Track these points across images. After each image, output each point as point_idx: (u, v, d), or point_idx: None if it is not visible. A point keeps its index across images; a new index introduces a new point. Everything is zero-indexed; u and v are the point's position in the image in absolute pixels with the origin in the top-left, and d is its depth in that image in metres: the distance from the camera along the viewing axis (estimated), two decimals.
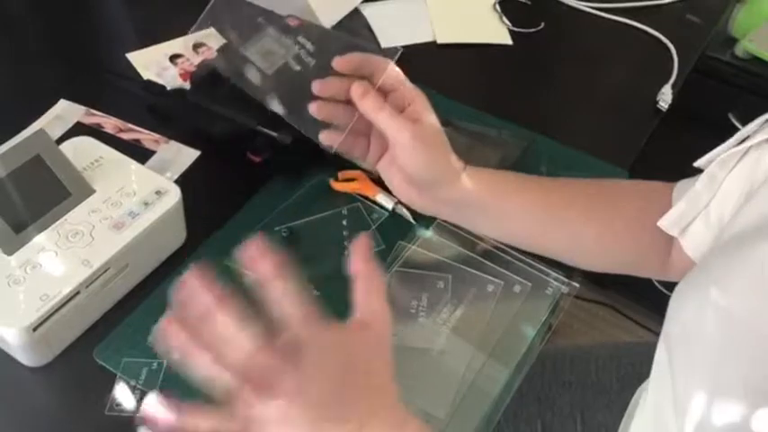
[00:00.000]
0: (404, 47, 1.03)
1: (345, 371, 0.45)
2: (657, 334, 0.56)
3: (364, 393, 0.46)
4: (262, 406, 0.42)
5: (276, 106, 0.72)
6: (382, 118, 0.62)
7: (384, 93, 0.64)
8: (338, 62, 0.63)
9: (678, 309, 0.51)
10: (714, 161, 0.60)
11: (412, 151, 0.62)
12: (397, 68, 0.64)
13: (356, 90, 0.62)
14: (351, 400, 0.45)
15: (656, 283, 1.39)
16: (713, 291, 0.48)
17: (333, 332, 0.47)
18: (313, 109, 0.64)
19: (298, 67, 0.85)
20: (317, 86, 0.63)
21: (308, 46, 0.70)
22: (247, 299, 0.73)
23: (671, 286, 0.54)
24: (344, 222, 0.80)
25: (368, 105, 0.62)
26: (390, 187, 0.69)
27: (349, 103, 0.63)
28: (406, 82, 0.64)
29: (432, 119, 0.64)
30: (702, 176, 0.61)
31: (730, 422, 0.43)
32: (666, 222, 0.64)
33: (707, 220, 0.62)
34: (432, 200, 0.67)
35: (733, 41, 1.26)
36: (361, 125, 0.64)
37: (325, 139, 0.65)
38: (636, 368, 0.83)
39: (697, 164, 0.62)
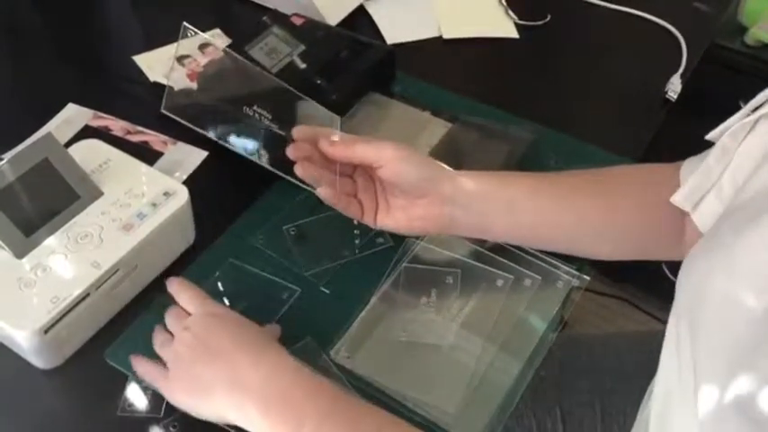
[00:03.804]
0: (409, 42, 1.04)
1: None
2: None
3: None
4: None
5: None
6: (359, 149, 0.65)
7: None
8: (296, 132, 0.67)
9: (687, 278, 0.50)
10: (725, 133, 0.59)
11: (398, 159, 0.64)
12: (341, 134, 0.67)
13: (323, 144, 0.65)
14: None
15: (670, 275, 1.38)
16: (723, 259, 0.47)
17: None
18: (298, 170, 0.67)
19: (303, 65, 0.85)
20: (290, 152, 0.66)
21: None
22: (253, 296, 0.73)
23: None
24: (354, 221, 0.79)
25: (340, 150, 0.65)
26: (400, 231, 0.70)
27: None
28: (357, 151, 0.66)
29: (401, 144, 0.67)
30: (714, 149, 0.60)
31: (741, 403, 0.43)
32: (679, 197, 0.63)
33: (720, 194, 0.60)
34: (439, 204, 0.66)
35: (743, 29, 1.25)
36: (345, 186, 0.67)
37: (323, 193, 0.67)
38: (655, 356, 0.82)
39: (709, 136, 0.60)
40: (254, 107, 0.76)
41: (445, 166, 0.67)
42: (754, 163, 0.57)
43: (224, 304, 0.71)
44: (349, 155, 0.65)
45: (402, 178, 0.65)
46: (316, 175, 0.66)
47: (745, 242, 0.47)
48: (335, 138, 0.66)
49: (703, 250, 0.51)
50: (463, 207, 0.67)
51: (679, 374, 0.50)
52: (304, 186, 0.70)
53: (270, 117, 0.73)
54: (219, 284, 0.73)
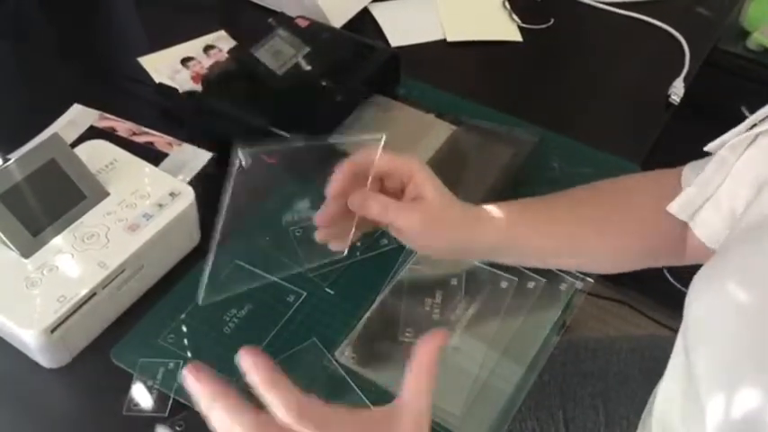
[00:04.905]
0: (414, 45, 1.04)
1: None
2: (674, 330, 0.55)
3: None
4: None
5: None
6: (389, 217, 0.61)
7: (380, 179, 0.63)
8: (332, 191, 0.62)
9: (695, 302, 0.50)
10: (724, 146, 0.59)
11: (426, 236, 0.62)
12: (384, 154, 0.62)
13: (354, 202, 0.61)
14: None
15: (672, 280, 1.38)
16: (730, 283, 0.48)
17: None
18: (320, 236, 0.64)
19: (308, 67, 0.85)
20: (319, 220, 0.63)
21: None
22: (259, 298, 0.74)
23: (686, 282, 0.54)
24: None
25: (372, 212, 0.61)
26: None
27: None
28: (396, 160, 0.63)
29: (433, 186, 0.62)
30: (712, 161, 0.61)
31: (749, 416, 0.43)
32: (676, 207, 0.64)
33: (717, 205, 0.61)
34: (448, 255, 0.68)
35: (745, 34, 1.26)
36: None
37: (337, 247, 0.65)
38: (659, 361, 0.83)
39: (707, 148, 0.61)
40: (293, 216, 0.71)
41: (470, 213, 0.65)
42: (754, 179, 0.58)
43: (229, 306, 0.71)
44: (379, 220, 0.62)
45: (425, 251, 0.66)
46: (335, 236, 0.64)
47: (757, 262, 0.48)
48: (374, 162, 0.61)
49: (713, 270, 0.51)
50: (470, 258, 0.69)
51: (685, 390, 0.50)
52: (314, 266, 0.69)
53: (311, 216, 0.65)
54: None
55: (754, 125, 0.57)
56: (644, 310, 1.57)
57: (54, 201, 0.68)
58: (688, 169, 0.66)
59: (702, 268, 0.52)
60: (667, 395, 0.57)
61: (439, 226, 0.62)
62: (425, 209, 0.61)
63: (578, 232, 0.68)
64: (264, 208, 0.79)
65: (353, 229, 0.64)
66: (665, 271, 1.41)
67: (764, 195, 0.54)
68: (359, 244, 0.77)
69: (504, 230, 0.65)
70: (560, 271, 0.75)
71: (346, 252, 0.66)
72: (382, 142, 0.62)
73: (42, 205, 0.68)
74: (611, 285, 1.60)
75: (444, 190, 0.63)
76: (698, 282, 0.51)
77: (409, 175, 0.62)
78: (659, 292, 1.37)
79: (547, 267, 0.74)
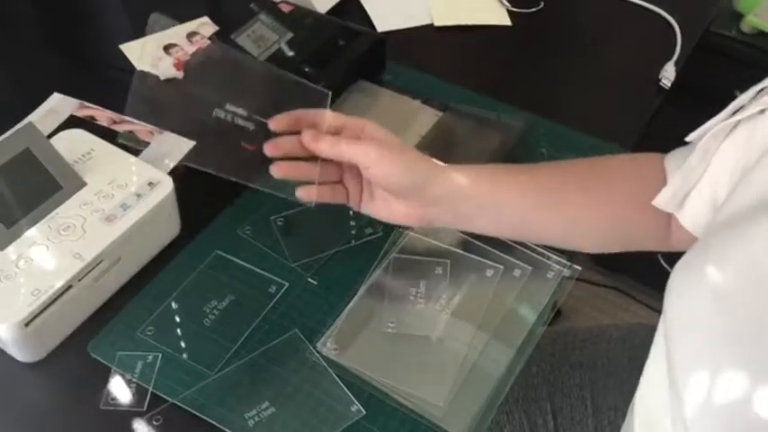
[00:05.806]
0: (400, 30, 1.02)
1: None
2: None
3: None
4: None
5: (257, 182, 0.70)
6: (343, 149, 0.62)
7: (334, 135, 0.64)
8: (273, 123, 0.63)
9: (674, 289, 0.50)
10: (707, 134, 0.59)
11: (384, 162, 0.62)
12: (332, 113, 0.64)
13: (307, 137, 0.62)
14: None
15: (665, 265, 1.37)
16: (711, 271, 0.47)
17: None
18: (275, 171, 0.63)
19: (290, 53, 0.84)
20: (268, 149, 0.63)
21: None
22: (240, 289, 0.72)
23: None
24: (342, 210, 0.78)
25: (324, 146, 0.62)
26: (381, 218, 0.68)
27: (309, 157, 0.63)
28: (347, 118, 0.64)
29: (389, 135, 0.64)
30: (696, 150, 0.60)
31: (731, 402, 0.43)
32: (661, 200, 0.63)
33: (700, 194, 0.61)
34: (423, 206, 0.66)
35: (739, 17, 1.24)
36: (331, 174, 0.65)
37: (303, 194, 0.65)
38: (647, 350, 0.82)
39: (689, 138, 0.61)
40: (226, 106, 0.70)
41: (434, 161, 0.65)
42: (734, 166, 0.57)
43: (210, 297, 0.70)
44: (332, 154, 0.63)
45: (388, 182, 0.63)
46: (295, 175, 0.64)
47: (736, 250, 0.47)
48: (326, 117, 0.63)
49: (693, 258, 0.51)
50: (447, 208, 0.66)
51: (665, 376, 0.50)
52: (277, 194, 0.67)
53: (245, 114, 0.68)
54: (205, 277, 0.72)
55: (736, 111, 0.56)
56: (638, 296, 1.57)
57: (28, 191, 0.67)
58: (671, 158, 0.65)
59: (683, 256, 0.51)
60: (649, 381, 0.56)
61: (397, 153, 0.62)
62: (381, 142, 0.62)
63: (560, 194, 0.67)
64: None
65: (317, 175, 0.63)
66: (661, 258, 1.40)
67: (744, 183, 0.53)
68: (354, 232, 0.76)
69: (474, 179, 0.65)
70: (547, 259, 0.74)
71: (314, 203, 0.65)
72: (329, 99, 0.64)
73: (16, 196, 0.66)
74: (607, 273, 1.60)
75: (400, 140, 0.64)
76: (678, 269, 0.51)
77: (361, 127, 0.63)
78: (655, 278, 1.36)
79: (525, 236, 0.72)
